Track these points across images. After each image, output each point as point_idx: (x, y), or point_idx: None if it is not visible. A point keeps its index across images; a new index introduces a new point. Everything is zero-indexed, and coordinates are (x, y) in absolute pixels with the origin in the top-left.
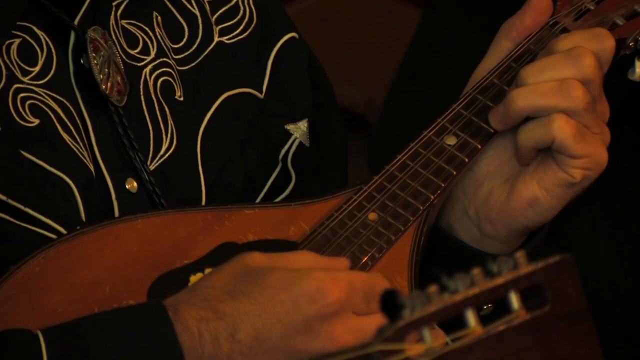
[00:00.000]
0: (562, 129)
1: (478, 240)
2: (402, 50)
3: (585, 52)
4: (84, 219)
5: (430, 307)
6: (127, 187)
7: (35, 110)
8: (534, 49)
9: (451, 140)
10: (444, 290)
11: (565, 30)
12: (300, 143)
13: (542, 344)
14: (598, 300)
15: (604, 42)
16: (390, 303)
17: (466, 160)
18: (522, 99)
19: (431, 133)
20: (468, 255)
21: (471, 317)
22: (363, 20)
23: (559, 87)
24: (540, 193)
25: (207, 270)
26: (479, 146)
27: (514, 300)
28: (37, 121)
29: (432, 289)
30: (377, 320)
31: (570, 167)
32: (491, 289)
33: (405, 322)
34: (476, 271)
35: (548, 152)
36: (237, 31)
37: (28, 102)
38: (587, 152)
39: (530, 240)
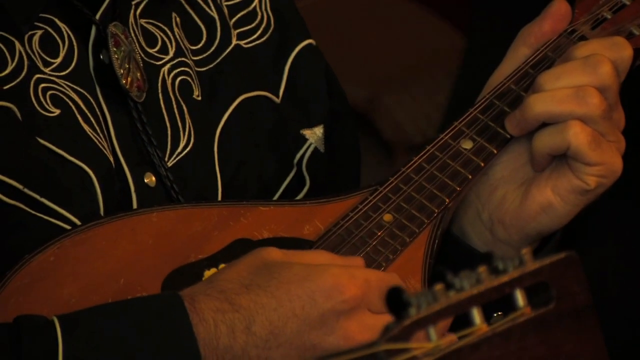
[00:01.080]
0: (577, 136)
1: (490, 244)
2: (404, 48)
3: (603, 59)
4: (101, 209)
5: (436, 305)
6: (145, 181)
7: (56, 101)
8: (551, 56)
9: (467, 144)
10: (450, 288)
11: (583, 38)
12: (315, 148)
13: (547, 341)
14: (603, 302)
15: (621, 51)
16: (396, 301)
17: (482, 164)
18: (539, 104)
19: (447, 136)
20: (478, 261)
21: (477, 315)
22: (364, 18)
23: (576, 94)
24: (554, 199)
25: (221, 266)
26: (495, 151)
27: (520, 297)
28: (58, 111)
29: (438, 287)
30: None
31: (585, 174)
32: (497, 287)
33: (411, 320)
34: (482, 269)
35: (563, 158)
36: (255, 35)
37: (49, 92)
38: (602, 159)
39: (542, 247)
